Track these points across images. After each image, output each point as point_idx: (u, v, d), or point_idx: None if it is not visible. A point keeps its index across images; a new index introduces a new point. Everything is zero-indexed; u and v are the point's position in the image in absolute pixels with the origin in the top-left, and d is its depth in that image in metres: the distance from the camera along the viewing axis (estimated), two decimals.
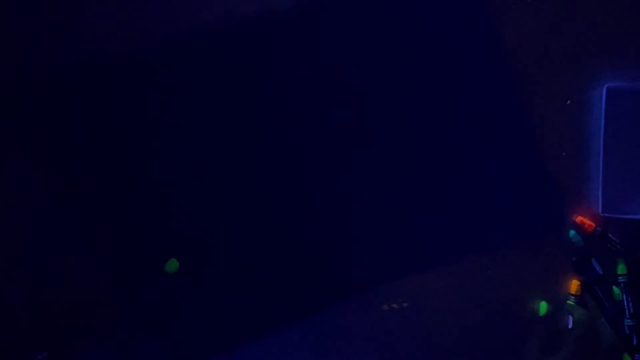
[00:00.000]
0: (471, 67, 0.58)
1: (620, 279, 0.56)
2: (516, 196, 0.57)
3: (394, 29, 0.58)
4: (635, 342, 0.55)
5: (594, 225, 0.56)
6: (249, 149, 0.58)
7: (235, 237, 0.57)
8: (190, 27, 0.58)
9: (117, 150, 0.58)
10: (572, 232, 0.57)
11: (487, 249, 0.57)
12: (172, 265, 0.55)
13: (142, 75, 0.58)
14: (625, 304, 0.55)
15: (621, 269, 0.56)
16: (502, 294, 0.57)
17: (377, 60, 0.58)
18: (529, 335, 0.57)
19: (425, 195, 0.58)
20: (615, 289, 0.56)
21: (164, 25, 0.58)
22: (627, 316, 0.55)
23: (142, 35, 0.58)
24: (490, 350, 0.56)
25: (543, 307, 0.56)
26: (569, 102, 0.58)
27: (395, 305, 0.57)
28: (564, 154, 0.58)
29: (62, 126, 0.58)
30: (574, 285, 0.56)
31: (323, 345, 0.57)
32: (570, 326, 0.56)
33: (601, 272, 0.56)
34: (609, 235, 0.56)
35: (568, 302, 0.56)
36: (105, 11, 0.58)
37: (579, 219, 0.57)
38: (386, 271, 0.57)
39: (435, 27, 0.58)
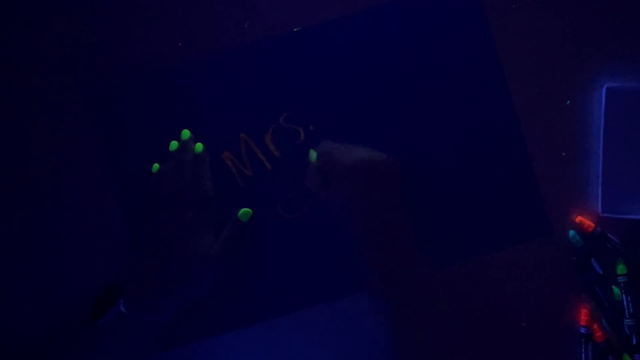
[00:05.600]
0: (470, 69, 0.58)
1: (620, 279, 0.56)
2: (515, 196, 0.57)
3: (391, 41, 0.58)
4: (635, 342, 0.55)
5: (593, 225, 0.56)
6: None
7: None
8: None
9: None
10: (571, 232, 0.57)
11: (485, 250, 0.57)
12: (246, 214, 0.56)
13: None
14: (625, 304, 0.55)
15: (621, 269, 0.56)
16: (501, 294, 0.57)
17: (378, 67, 0.58)
18: (529, 336, 0.57)
19: (423, 197, 0.58)
20: (615, 289, 0.56)
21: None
22: (627, 316, 0.55)
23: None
24: (489, 350, 0.57)
25: None
26: (568, 102, 0.58)
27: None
28: (563, 154, 0.58)
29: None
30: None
31: (323, 343, 0.58)
32: None
33: (601, 272, 0.56)
34: (609, 235, 0.56)
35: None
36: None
37: (578, 219, 0.57)
38: None
39: (432, 32, 0.58)
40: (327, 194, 0.52)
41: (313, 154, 0.55)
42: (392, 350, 0.49)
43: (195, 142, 0.58)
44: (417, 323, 0.49)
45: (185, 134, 0.57)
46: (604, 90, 0.56)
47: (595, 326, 0.56)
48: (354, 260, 0.57)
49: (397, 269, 0.50)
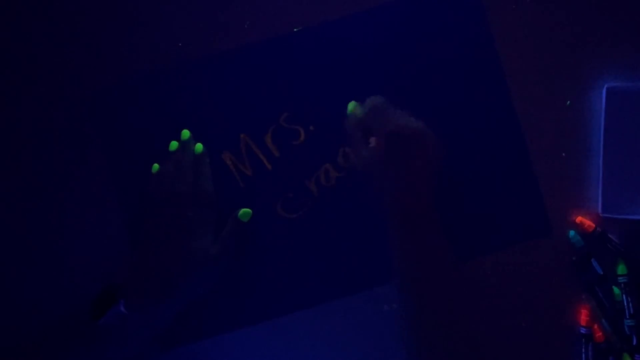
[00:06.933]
0: (469, 68, 0.58)
1: (620, 279, 0.56)
2: (515, 196, 0.57)
3: (391, 41, 0.58)
4: (635, 342, 0.55)
5: (593, 225, 0.56)
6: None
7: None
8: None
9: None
10: (572, 232, 0.57)
11: (486, 250, 0.57)
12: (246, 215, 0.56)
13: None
14: (625, 304, 0.55)
15: (621, 269, 0.56)
16: (501, 294, 0.57)
17: (377, 64, 0.58)
18: (529, 336, 0.57)
19: None
20: (615, 289, 0.56)
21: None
22: (627, 316, 0.55)
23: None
24: (489, 350, 0.56)
25: None
26: (568, 102, 0.58)
27: (395, 305, 0.57)
28: (563, 154, 0.58)
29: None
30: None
31: (322, 344, 0.58)
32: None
33: (601, 272, 0.56)
34: (609, 235, 0.56)
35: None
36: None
37: (578, 219, 0.57)
38: (387, 271, 0.57)
39: (432, 32, 0.58)
40: (367, 149, 0.52)
41: (353, 105, 0.55)
42: (408, 328, 0.50)
43: (195, 142, 0.58)
44: (435, 297, 0.50)
45: (185, 134, 0.57)
46: (604, 90, 0.56)
47: (595, 326, 0.56)
48: (354, 260, 0.58)
49: (420, 233, 0.50)
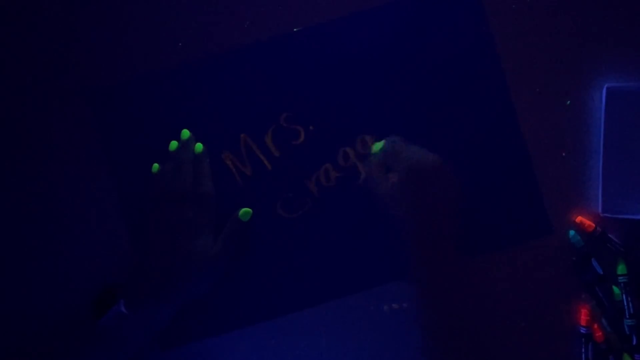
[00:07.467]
0: (469, 68, 0.58)
1: (620, 279, 0.56)
2: (515, 196, 0.57)
3: (391, 41, 0.58)
4: (635, 342, 0.55)
5: (593, 225, 0.56)
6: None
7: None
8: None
9: None
10: (572, 232, 0.57)
11: (486, 250, 0.57)
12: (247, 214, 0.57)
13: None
14: (625, 304, 0.55)
15: (621, 269, 0.56)
16: (501, 294, 0.57)
17: (379, 63, 0.58)
18: (529, 336, 0.57)
19: None
20: (615, 289, 0.56)
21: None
22: (627, 316, 0.55)
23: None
24: (489, 350, 0.57)
25: None
26: (568, 102, 0.58)
27: (395, 306, 0.57)
28: (564, 154, 0.58)
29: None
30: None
31: (322, 344, 0.58)
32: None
33: (601, 272, 0.56)
34: (609, 235, 0.56)
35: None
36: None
37: (578, 219, 0.57)
38: (387, 271, 0.57)
39: (432, 32, 0.58)
40: (386, 183, 0.54)
41: (379, 145, 0.56)
42: (423, 333, 0.53)
43: (195, 142, 0.58)
44: (446, 308, 0.52)
45: (185, 134, 0.58)
46: (604, 90, 0.56)
47: (595, 326, 0.56)
48: (353, 260, 0.58)
49: (435, 256, 0.53)
